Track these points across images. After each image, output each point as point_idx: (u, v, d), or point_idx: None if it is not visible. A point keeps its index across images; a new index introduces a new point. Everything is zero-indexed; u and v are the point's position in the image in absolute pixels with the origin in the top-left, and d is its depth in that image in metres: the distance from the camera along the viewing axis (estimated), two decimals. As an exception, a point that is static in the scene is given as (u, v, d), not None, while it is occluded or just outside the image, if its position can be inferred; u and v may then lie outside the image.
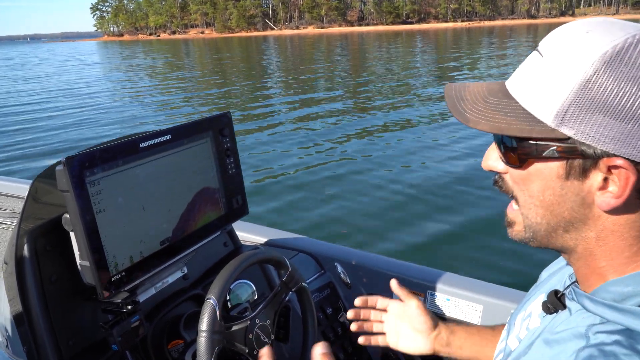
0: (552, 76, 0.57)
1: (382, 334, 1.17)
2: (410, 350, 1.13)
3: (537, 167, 0.62)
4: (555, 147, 0.58)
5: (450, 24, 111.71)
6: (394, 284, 1.19)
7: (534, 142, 0.60)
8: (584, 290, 0.66)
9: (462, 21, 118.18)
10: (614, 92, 0.53)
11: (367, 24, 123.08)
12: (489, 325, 1.10)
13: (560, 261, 0.86)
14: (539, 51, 0.61)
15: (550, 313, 0.71)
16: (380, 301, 1.19)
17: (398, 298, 1.17)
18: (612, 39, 0.55)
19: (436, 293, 1.55)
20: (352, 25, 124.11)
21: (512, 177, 0.67)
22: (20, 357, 1.09)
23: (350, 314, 1.18)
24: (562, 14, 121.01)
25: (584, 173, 0.58)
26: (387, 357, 1.67)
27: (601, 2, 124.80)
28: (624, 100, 0.53)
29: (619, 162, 0.55)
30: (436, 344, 1.11)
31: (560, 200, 0.61)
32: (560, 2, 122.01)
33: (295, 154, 7.93)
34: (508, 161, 0.65)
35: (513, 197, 0.68)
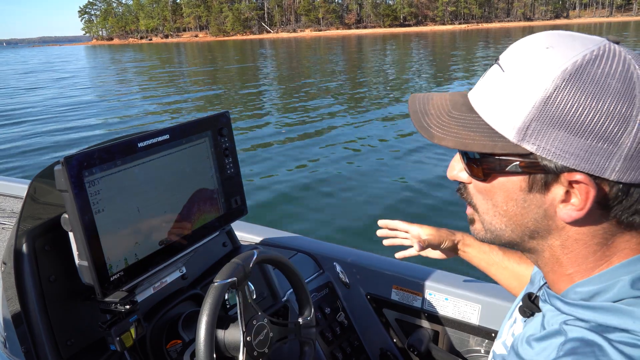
0: (513, 92, 0.58)
1: (410, 246, 1.33)
2: (437, 255, 1.32)
3: (501, 180, 0.63)
4: (517, 162, 0.60)
5: (449, 27, 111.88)
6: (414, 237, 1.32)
7: (497, 157, 0.61)
8: (554, 290, 0.68)
9: (460, 24, 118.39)
10: (574, 108, 0.54)
11: (365, 27, 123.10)
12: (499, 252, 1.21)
13: None
14: (499, 65, 0.62)
15: (528, 317, 0.74)
16: (400, 225, 1.35)
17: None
18: (572, 55, 0.56)
19: (435, 293, 1.56)
20: (349, 28, 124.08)
21: (476, 187, 0.68)
22: (19, 357, 1.09)
23: (380, 232, 1.39)
24: (557, 16, 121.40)
25: (546, 187, 0.60)
26: (385, 357, 1.67)
27: (595, 5, 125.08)
28: (582, 117, 0.54)
29: (578, 177, 0.56)
30: (459, 252, 1.29)
31: (523, 212, 0.63)
32: (555, 5, 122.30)
33: (295, 154, 7.93)
34: (472, 174, 0.66)
35: (471, 205, 0.71)
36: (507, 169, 0.61)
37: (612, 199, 0.57)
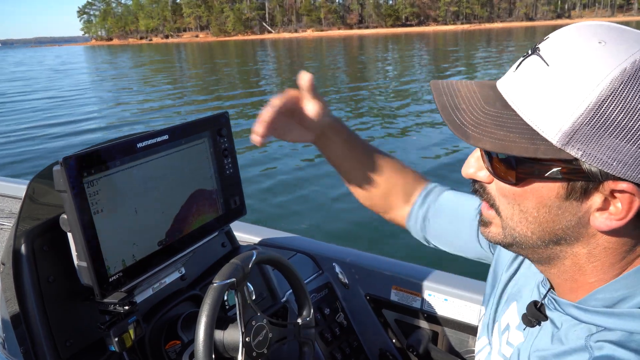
0: (563, 91, 0.52)
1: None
2: (295, 137, 1.00)
3: (536, 186, 0.58)
4: (559, 169, 0.54)
5: (452, 27, 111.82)
6: (304, 78, 0.95)
7: (537, 161, 0.55)
8: (566, 297, 0.64)
9: (462, 24, 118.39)
10: (630, 114, 0.49)
11: (367, 27, 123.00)
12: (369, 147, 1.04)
13: (522, 263, 0.82)
14: (541, 57, 0.55)
15: (533, 326, 0.69)
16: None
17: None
18: (630, 54, 0.50)
19: (434, 293, 1.56)
20: (351, 28, 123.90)
21: (500, 190, 0.62)
22: (17, 358, 1.09)
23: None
24: (559, 16, 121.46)
25: (585, 194, 0.55)
26: (385, 357, 1.67)
27: (597, 5, 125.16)
28: (638, 124, 0.49)
29: (624, 186, 0.52)
30: (322, 133, 1.01)
31: (555, 219, 0.58)
32: (556, 5, 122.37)
33: (294, 154, 7.92)
34: (499, 176, 0.60)
35: (493, 207, 0.64)
36: (546, 175, 0.55)
37: None
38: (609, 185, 0.53)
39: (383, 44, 46.18)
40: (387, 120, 10.44)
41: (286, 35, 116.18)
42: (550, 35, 0.58)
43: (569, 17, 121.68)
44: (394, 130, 9.49)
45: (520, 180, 0.58)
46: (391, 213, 1.09)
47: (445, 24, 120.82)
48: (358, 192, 1.08)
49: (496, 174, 0.60)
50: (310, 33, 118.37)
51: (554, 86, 0.53)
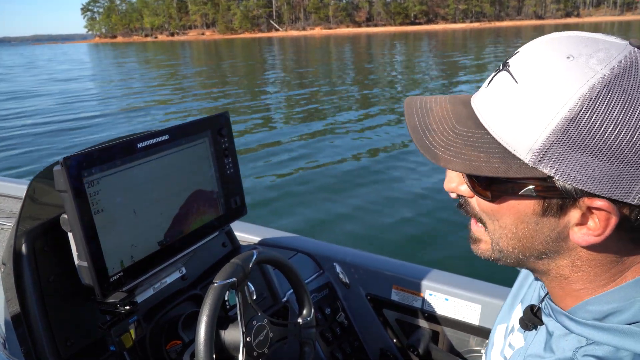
0: (531, 109, 0.51)
1: None
2: None
3: (512, 203, 0.57)
4: (532, 187, 0.54)
5: (462, 25, 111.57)
6: None
7: (510, 180, 0.55)
8: (560, 306, 0.64)
9: (471, 22, 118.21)
10: (601, 131, 0.48)
11: (375, 25, 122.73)
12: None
13: None
14: (511, 74, 0.54)
15: (529, 329, 0.70)
16: None
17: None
18: (598, 68, 0.49)
19: (435, 293, 1.55)
20: (359, 26, 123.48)
21: (480, 205, 0.62)
22: (18, 357, 1.09)
23: None
24: (568, 14, 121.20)
25: (562, 210, 0.55)
26: (385, 357, 1.67)
27: (606, 3, 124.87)
28: (610, 140, 0.48)
29: (600, 203, 0.52)
30: None
31: (534, 235, 0.58)
32: (565, 3, 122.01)
33: (295, 154, 7.92)
34: (478, 193, 0.59)
35: (478, 220, 0.64)
36: (520, 193, 0.55)
37: (632, 221, 0.53)
38: (585, 202, 0.53)
39: (391, 43, 46.09)
40: (395, 123, 10.45)
41: (294, 33, 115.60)
42: (520, 49, 0.57)
43: (577, 15, 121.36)
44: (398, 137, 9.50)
45: (495, 197, 0.58)
46: None
47: (454, 22, 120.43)
48: None
49: (474, 189, 0.60)
50: (318, 31, 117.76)
51: (523, 104, 0.52)
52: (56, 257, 1.12)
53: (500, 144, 0.54)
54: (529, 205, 0.56)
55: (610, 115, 0.48)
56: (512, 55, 0.57)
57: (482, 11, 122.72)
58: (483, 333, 1.49)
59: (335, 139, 8.87)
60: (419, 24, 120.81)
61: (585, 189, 0.51)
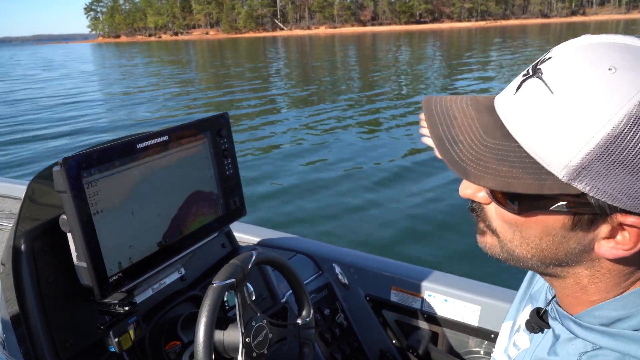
0: (571, 124, 0.48)
1: None
2: None
3: (540, 218, 0.55)
4: (565, 203, 0.52)
5: (467, 24, 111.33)
6: None
7: (542, 196, 0.52)
8: (566, 309, 0.64)
9: (476, 20, 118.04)
10: None
11: (380, 24, 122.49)
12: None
13: None
14: (544, 82, 0.51)
15: (535, 332, 0.69)
16: None
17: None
18: None
19: (434, 294, 1.56)
20: (364, 25, 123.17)
21: (500, 215, 0.59)
22: (17, 358, 1.09)
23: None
24: (573, 13, 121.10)
25: (592, 225, 0.53)
26: (384, 358, 1.67)
27: (612, 1, 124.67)
28: None
29: (632, 220, 0.50)
30: None
31: (559, 246, 0.56)
32: (571, 2, 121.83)
33: (295, 154, 7.93)
34: (502, 204, 0.56)
35: (489, 228, 0.61)
36: (551, 208, 0.53)
37: None
38: (617, 218, 0.51)
39: (396, 42, 46.04)
40: (400, 122, 10.45)
41: (299, 32, 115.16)
42: (552, 54, 0.54)
43: (583, 14, 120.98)
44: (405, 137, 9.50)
45: (523, 211, 0.55)
46: None
47: (460, 20, 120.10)
48: None
49: (497, 200, 0.57)
50: (323, 30, 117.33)
51: (561, 118, 0.49)
52: (55, 257, 1.12)
53: (533, 158, 0.51)
54: (558, 220, 0.54)
55: None
56: (544, 60, 0.54)
57: (488, 10, 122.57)
58: (482, 334, 1.49)
59: (337, 139, 8.87)
60: (424, 22, 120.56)
61: (620, 206, 0.49)
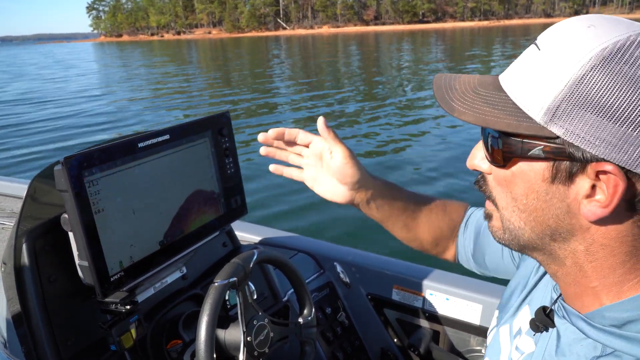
0: (546, 70, 0.53)
1: (299, 168, 1.04)
2: (327, 196, 1.02)
3: (522, 168, 0.59)
4: (542, 147, 0.55)
5: (470, 23, 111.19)
6: (320, 122, 0.98)
7: (520, 139, 0.57)
8: (574, 307, 0.63)
9: (480, 20, 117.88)
10: (610, 92, 0.49)
11: (383, 23, 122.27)
12: (421, 205, 1.06)
13: None
14: (536, 44, 0.57)
15: (540, 332, 0.69)
16: (302, 135, 1.02)
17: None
18: (615, 35, 0.51)
19: (435, 293, 1.55)
20: (367, 24, 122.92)
21: (495, 178, 0.63)
22: (19, 357, 1.09)
23: (261, 137, 1.01)
24: (576, 12, 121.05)
25: (571, 177, 0.55)
26: (386, 357, 1.67)
27: (615, 0, 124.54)
28: (619, 101, 0.49)
29: (608, 167, 0.51)
30: (356, 198, 1.01)
31: (544, 206, 0.58)
32: (574, 1, 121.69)
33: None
34: (493, 160, 0.61)
35: (490, 199, 0.66)
36: (529, 154, 0.56)
37: None
38: (593, 167, 0.53)
39: (399, 41, 45.98)
40: (404, 116, 10.44)
41: (301, 31, 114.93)
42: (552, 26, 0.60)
43: (586, 13, 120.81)
44: (411, 127, 9.49)
45: (506, 160, 0.59)
46: (446, 254, 1.13)
47: (463, 20, 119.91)
48: (408, 243, 1.11)
49: (489, 157, 0.62)
50: (325, 29, 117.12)
51: (540, 66, 0.55)
52: (57, 256, 1.12)
53: (515, 104, 0.57)
54: (538, 171, 0.57)
55: (620, 76, 0.49)
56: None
57: (491, 9, 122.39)
58: (484, 333, 1.49)
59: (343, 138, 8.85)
60: (427, 22, 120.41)
61: (593, 152, 0.51)
